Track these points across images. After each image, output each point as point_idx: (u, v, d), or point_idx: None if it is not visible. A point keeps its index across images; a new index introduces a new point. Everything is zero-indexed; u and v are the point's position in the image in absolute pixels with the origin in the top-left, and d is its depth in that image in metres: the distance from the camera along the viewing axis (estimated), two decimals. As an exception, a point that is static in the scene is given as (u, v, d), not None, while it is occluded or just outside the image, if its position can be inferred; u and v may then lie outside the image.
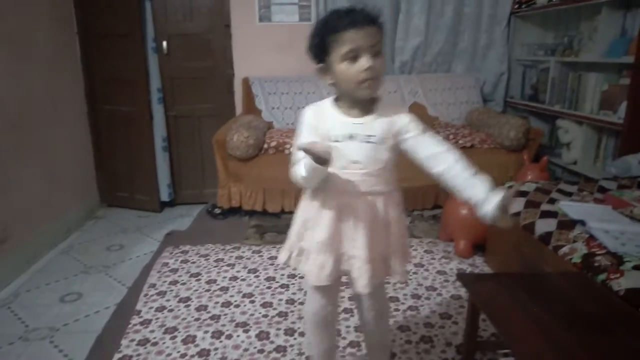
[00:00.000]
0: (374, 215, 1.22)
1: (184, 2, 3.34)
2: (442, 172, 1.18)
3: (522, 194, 2.17)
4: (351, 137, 1.17)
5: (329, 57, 1.13)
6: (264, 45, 3.54)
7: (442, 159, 1.18)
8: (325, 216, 1.21)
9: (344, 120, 1.18)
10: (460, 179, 1.17)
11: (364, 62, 1.09)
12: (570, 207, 1.96)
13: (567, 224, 1.82)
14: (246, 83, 3.49)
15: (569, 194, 2.15)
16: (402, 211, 1.30)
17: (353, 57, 1.09)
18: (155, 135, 3.35)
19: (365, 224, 1.21)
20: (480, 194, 1.16)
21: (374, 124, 1.17)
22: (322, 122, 1.20)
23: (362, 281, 1.23)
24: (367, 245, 1.21)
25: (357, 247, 1.22)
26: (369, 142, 1.17)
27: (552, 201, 2.06)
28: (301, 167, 1.15)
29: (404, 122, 1.19)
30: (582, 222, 1.80)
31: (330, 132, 1.18)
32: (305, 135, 1.21)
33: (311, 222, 1.25)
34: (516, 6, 3.58)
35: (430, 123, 3.50)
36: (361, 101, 1.17)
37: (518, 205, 2.09)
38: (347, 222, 1.22)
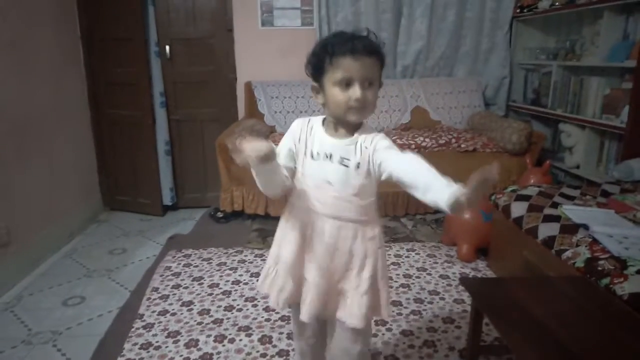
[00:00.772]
0: (339, 243, 1.18)
1: (186, 6, 3.36)
2: (409, 178, 1.07)
3: (525, 198, 2.17)
4: (328, 156, 1.17)
5: (323, 77, 1.13)
6: (267, 49, 3.55)
7: (411, 166, 1.07)
8: (292, 234, 1.21)
9: (324, 139, 1.18)
10: (427, 178, 1.03)
11: (355, 92, 1.09)
12: (573, 211, 1.95)
13: (570, 228, 1.82)
14: (249, 87, 3.50)
15: (571, 198, 2.15)
16: (377, 247, 1.21)
17: (346, 83, 1.09)
18: (158, 139, 3.37)
19: (327, 249, 1.18)
20: (446, 188, 0.99)
21: (350, 148, 1.16)
22: (305, 135, 1.20)
23: (303, 307, 1.20)
24: (320, 271, 1.18)
25: (309, 270, 1.20)
26: (343, 164, 1.15)
27: (555, 205, 2.05)
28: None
29: (375, 141, 1.14)
30: (585, 226, 1.79)
31: (309, 147, 1.19)
32: (285, 141, 1.22)
33: (283, 241, 1.25)
34: (518, 10, 3.58)
35: (432, 127, 3.51)
36: (346, 124, 1.16)
37: (521, 208, 2.09)
38: (309, 244, 1.20)
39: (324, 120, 1.23)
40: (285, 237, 1.25)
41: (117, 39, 3.17)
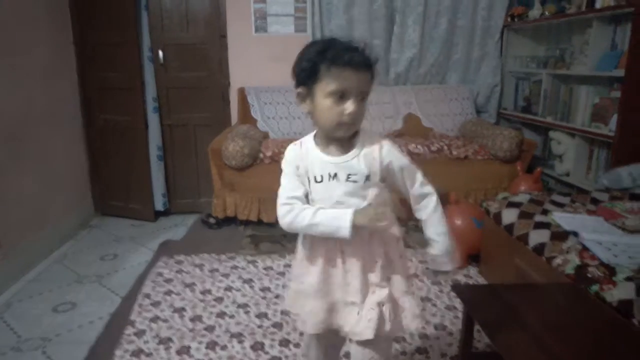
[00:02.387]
0: (369, 257, 1.15)
1: (180, 12, 3.37)
2: (421, 213, 1.19)
3: (516, 205, 2.19)
4: (332, 177, 1.11)
5: (314, 85, 1.06)
6: (260, 55, 3.56)
7: (425, 203, 1.17)
8: (315, 261, 1.16)
9: (325, 159, 1.12)
10: (432, 226, 1.19)
11: (349, 106, 1.04)
12: (563, 219, 1.98)
13: (561, 235, 1.84)
14: (242, 93, 3.51)
15: (561, 205, 2.18)
16: (403, 250, 1.21)
17: (340, 96, 1.04)
18: (151, 144, 3.36)
19: (359, 268, 1.13)
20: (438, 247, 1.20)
21: (355, 162, 1.11)
22: (303, 161, 1.14)
23: (359, 328, 1.13)
24: (362, 290, 1.14)
25: (350, 293, 1.15)
26: (351, 181, 1.10)
27: (545, 212, 2.08)
28: (314, 218, 1.08)
29: (385, 151, 1.13)
30: (575, 234, 1.82)
31: (312, 172, 1.13)
32: (288, 177, 1.16)
33: (306, 262, 1.19)
34: (509, 19, 3.63)
35: (424, 134, 3.53)
36: (338, 138, 1.12)
37: (512, 215, 2.11)
38: (337, 268, 1.15)
39: (314, 136, 1.16)
40: (309, 262, 1.18)
41: (110, 44, 3.16)
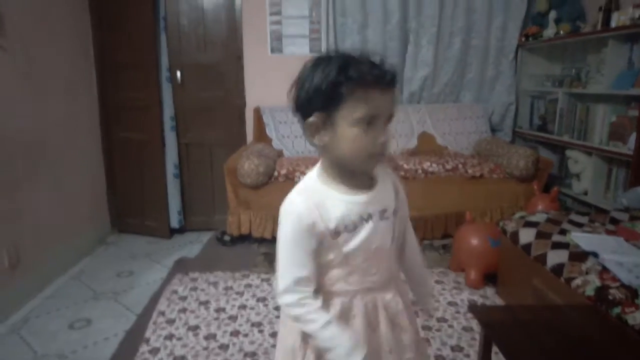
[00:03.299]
0: (399, 312, 1.00)
1: (198, 34, 3.45)
2: (408, 266, 1.09)
3: (533, 224, 2.16)
4: (367, 218, 0.92)
5: (334, 112, 0.85)
6: (275, 76, 3.61)
7: (414, 260, 1.09)
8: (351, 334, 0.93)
9: (353, 201, 0.91)
10: (424, 285, 1.15)
11: (380, 134, 0.86)
12: (582, 239, 1.94)
13: (579, 256, 1.80)
14: (257, 112, 3.55)
15: (580, 225, 2.14)
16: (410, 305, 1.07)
17: (366, 123, 0.85)
18: (167, 162, 3.40)
19: (390, 323, 0.99)
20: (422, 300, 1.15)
21: (383, 195, 0.95)
22: (322, 213, 0.89)
23: None
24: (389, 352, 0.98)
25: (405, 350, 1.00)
26: (385, 218, 0.94)
27: (563, 232, 2.04)
28: (323, 331, 0.89)
29: (394, 177, 1.01)
30: (595, 254, 1.78)
31: (335, 223, 0.89)
32: (294, 248, 0.89)
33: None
34: (523, 39, 3.64)
35: (439, 152, 3.52)
36: (359, 173, 0.93)
37: (529, 235, 2.08)
38: (373, 331, 0.97)
39: (319, 177, 0.94)
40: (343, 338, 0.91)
41: (130, 64, 3.24)
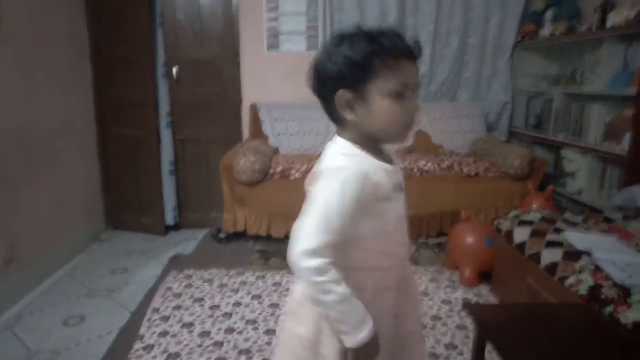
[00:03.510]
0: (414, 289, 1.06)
1: (194, 29, 3.44)
2: None
3: (528, 223, 2.17)
4: (399, 187, 0.95)
5: (366, 84, 0.85)
6: (272, 72, 3.61)
7: None
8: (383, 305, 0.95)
9: (389, 170, 0.93)
10: None
11: (413, 103, 0.88)
12: (576, 237, 1.95)
13: (573, 255, 1.81)
14: (254, 109, 3.54)
15: (574, 224, 2.15)
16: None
17: (399, 94, 0.86)
18: (163, 158, 3.39)
19: (415, 298, 1.04)
20: None
21: (398, 168, 0.98)
22: (376, 182, 0.88)
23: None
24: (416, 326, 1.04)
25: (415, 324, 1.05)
26: (402, 190, 0.96)
27: (557, 231, 2.05)
28: (341, 304, 0.86)
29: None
30: (588, 253, 1.79)
31: (384, 188, 0.90)
32: (344, 213, 0.85)
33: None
34: (520, 38, 3.65)
35: (434, 151, 3.53)
36: (389, 144, 0.96)
37: (523, 234, 2.09)
38: (402, 304, 1.00)
39: (354, 145, 0.92)
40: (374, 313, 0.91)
41: (126, 60, 3.22)
